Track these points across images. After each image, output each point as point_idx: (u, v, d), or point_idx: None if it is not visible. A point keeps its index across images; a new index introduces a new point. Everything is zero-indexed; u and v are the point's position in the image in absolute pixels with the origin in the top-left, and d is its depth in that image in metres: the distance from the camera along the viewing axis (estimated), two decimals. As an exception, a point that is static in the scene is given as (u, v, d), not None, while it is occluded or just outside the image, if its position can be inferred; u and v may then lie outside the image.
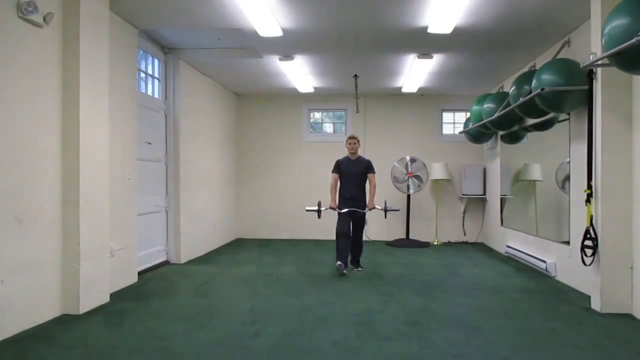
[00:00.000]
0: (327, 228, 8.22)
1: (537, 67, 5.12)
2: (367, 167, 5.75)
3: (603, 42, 3.34)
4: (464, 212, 8.54)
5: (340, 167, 5.79)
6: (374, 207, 5.68)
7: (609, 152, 3.95)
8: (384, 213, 5.92)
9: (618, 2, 3.27)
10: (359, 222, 5.77)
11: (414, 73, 6.83)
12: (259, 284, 5.10)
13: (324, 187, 8.74)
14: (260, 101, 8.90)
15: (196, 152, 6.78)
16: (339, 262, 5.40)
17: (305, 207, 6.05)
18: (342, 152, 8.99)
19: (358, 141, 5.80)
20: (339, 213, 5.63)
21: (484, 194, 8.30)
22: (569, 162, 5.10)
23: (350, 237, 5.60)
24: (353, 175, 5.70)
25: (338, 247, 5.50)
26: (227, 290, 4.81)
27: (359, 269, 5.77)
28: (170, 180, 6.15)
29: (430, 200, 8.62)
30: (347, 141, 5.81)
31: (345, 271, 5.45)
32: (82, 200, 3.86)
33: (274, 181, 8.94)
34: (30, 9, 3.39)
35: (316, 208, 5.82)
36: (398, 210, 6.09)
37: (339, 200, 5.73)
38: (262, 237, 8.83)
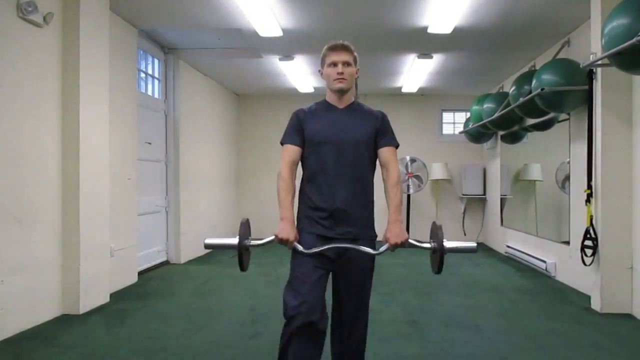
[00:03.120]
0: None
1: (537, 67, 5.11)
2: (377, 129, 2.28)
3: (603, 42, 3.34)
4: (464, 212, 8.54)
5: (306, 130, 2.24)
6: (406, 241, 2.08)
7: (609, 152, 3.95)
8: (436, 258, 2.08)
9: (618, 2, 3.27)
10: (360, 282, 2.25)
11: (414, 73, 6.83)
12: (259, 284, 5.10)
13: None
14: (260, 101, 8.90)
15: (196, 152, 6.77)
16: None
17: (205, 240, 2.20)
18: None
19: (355, 60, 2.25)
20: (298, 254, 2.21)
21: (484, 194, 8.30)
22: (569, 162, 5.10)
23: (323, 336, 2.15)
24: (340, 148, 2.19)
25: None
26: (227, 290, 4.81)
27: None
28: (170, 180, 6.15)
29: (430, 200, 8.62)
30: (324, 59, 2.25)
31: None
32: (82, 200, 3.86)
33: (274, 181, 8.89)
34: (30, 9, 3.39)
35: (232, 241, 2.19)
36: (475, 250, 2.12)
37: (300, 219, 2.30)
38: (262, 237, 8.80)
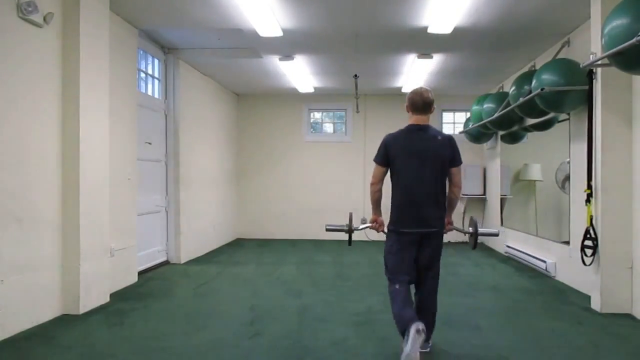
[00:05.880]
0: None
1: (537, 67, 5.11)
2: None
3: (603, 42, 3.34)
4: (464, 212, 8.53)
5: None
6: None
7: (609, 152, 3.95)
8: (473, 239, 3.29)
9: (618, 2, 3.27)
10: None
11: (414, 73, 6.83)
12: (259, 284, 5.10)
13: (323, 186, 8.80)
14: (260, 101, 8.90)
15: (196, 152, 6.77)
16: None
17: (326, 225, 3.30)
18: (342, 152, 9.15)
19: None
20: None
21: (484, 194, 8.30)
22: (569, 162, 5.10)
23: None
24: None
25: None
26: (227, 290, 4.81)
27: None
28: (170, 180, 6.15)
29: (430, 200, 8.62)
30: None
31: None
32: (82, 200, 3.86)
33: (274, 181, 8.93)
34: (30, 9, 3.39)
35: (344, 227, 3.22)
36: (497, 234, 3.61)
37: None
38: (262, 237, 8.83)
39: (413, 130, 3.07)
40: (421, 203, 2.94)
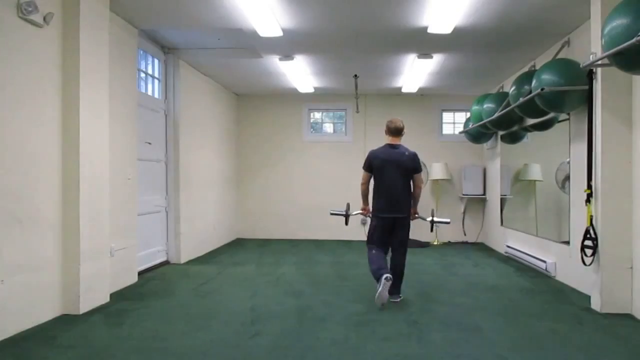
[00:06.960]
0: (325, 227, 8.26)
1: (537, 67, 5.11)
2: None
3: (603, 42, 3.34)
4: (464, 212, 8.54)
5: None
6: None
7: (609, 152, 3.95)
8: (430, 224, 4.79)
9: (618, 2, 3.27)
10: None
11: (414, 73, 6.83)
12: (259, 284, 5.10)
13: (324, 186, 8.81)
14: (260, 101, 8.90)
15: (196, 152, 6.78)
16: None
17: (330, 210, 5.02)
18: (342, 152, 9.15)
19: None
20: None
21: (484, 194, 8.30)
22: (569, 162, 5.10)
23: None
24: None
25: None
26: (227, 290, 4.81)
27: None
28: (170, 180, 6.15)
29: (430, 200, 8.61)
30: None
31: None
32: (82, 200, 3.86)
33: (274, 181, 8.93)
34: (30, 9, 3.39)
35: (343, 212, 4.81)
36: (448, 223, 4.98)
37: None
38: (262, 237, 8.83)
39: (388, 148, 4.39)
40: (393, 197, 4.30)
